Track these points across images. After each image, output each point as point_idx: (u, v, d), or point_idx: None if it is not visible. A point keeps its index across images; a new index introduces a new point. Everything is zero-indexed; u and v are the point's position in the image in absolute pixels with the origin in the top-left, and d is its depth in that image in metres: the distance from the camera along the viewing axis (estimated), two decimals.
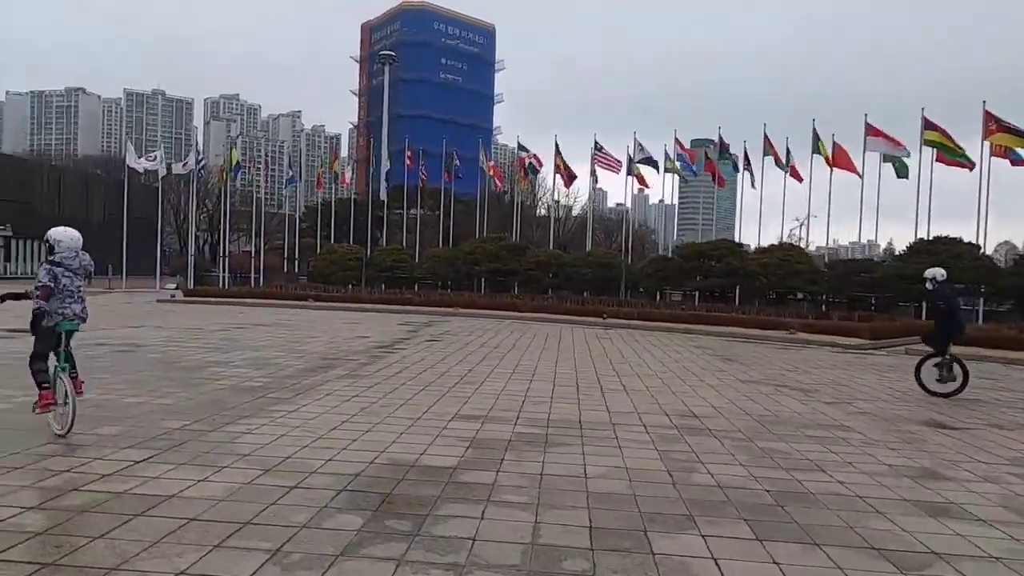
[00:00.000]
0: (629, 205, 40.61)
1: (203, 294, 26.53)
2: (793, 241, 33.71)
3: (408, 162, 37.14)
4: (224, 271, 36.94)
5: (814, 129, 26.30)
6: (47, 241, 5.23)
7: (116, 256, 54.18)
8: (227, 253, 39.44)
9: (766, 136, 27.60)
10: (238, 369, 8.87)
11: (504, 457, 5.00)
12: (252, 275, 36.79)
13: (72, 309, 5.17)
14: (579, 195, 56.13)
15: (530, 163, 32.91)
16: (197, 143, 36.49)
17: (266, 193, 43.64)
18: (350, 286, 28.97)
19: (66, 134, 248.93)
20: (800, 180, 28.33)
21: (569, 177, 33.02)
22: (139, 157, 37.32)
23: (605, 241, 63.31)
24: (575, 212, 57.84)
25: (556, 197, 48.64)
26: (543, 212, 57.89)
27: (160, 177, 37.84)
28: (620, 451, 5.33)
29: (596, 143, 31.50)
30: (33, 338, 5.28)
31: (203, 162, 36.03)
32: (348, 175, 37.32)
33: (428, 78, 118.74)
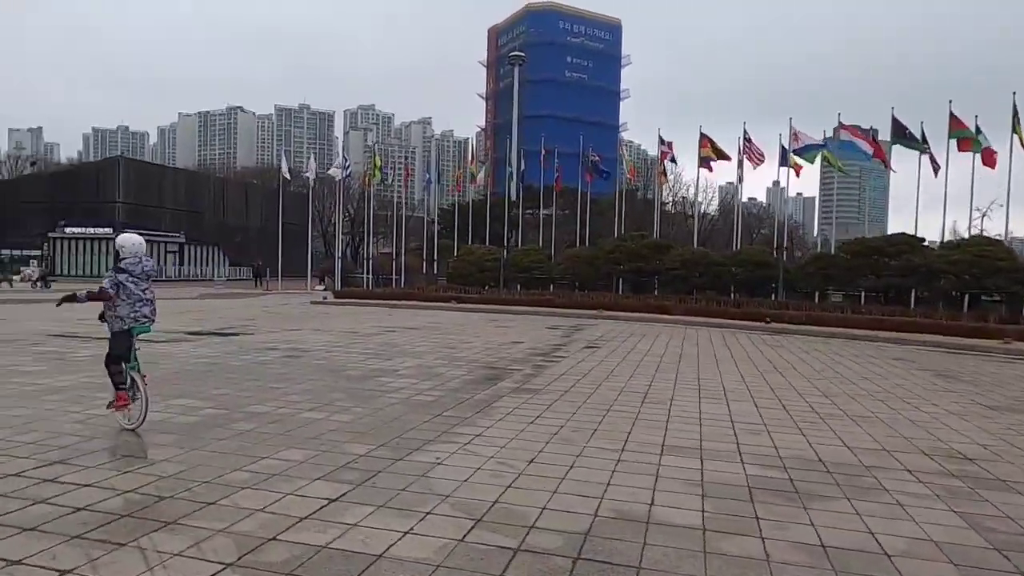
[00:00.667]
0: (766, 198, 37.54)
1: (350, 295, 27.42)
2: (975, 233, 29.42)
3: (542, 162, 36.68)
4: (367, 273, 38.34)
5: (1014, 105, 22.63)
6: (117, 248, 5.59)
7: (271, 259, 58.26)
8: (370, 256, 40.98)
9: (952, 115, 24.12)
10: (405, 379, 8.43)
11: (757, 514, 3.96)
12: (393, 276, 37.88)
13: (142, 311, 5.54)
14: (710, 191, 53.18)
15: (672, 157, 31.15)
16: (344, 151, 38.00)
17: (402, 197, 45.00)
18: (486, 287, 28.80)
19: (227, 148, 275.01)
20: (994, 166, 24.55)
21: (715, 163, 30.88)
22: (290, 167, 39.59)
23: (745, 238, 59.62)
24: (708, 208, 54.92)
25: (691, 193, 46.12)
26: (672, 208, 55.48)
27: (311, 185, 39.97)
28: (903, 510, 4.11)
29: (745, 132, 29.25)
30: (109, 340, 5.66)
31: (349, 168, 37.57)
32: (481, 176, 37.41)
33: (554, 78, 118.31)
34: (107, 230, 49.10)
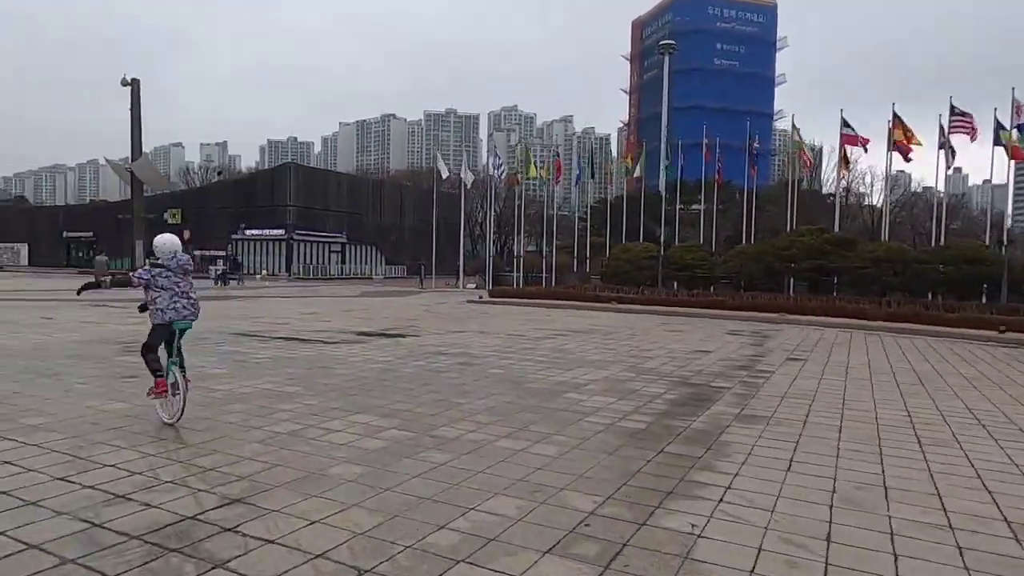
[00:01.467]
0: (944, 187, 32.09)
1: (504, 294, 26.98)
2: None
3: (698, 155, 34.29)
4: (518, 271, 38.01)
5: None
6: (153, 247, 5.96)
7: (425, 257, 60.03)
8: (520, 253, 40.70)
9: None
10: (598, 398, 7.28)
11: None
12: (543, 275, 37.18)
13: (182, 303, 5.77)
14: (875, 178, 47.24)
15: (861, 142, 27.55)
16: (493, 151, 37.85)
17: (545, 195, 44.28)
18: (641, 287, 27.10)
19: (381, 154, 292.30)
20: None
21: (908, 149, 26.92)
22: (444, 167, 40.24)
23: (910, 231, 52.75)
24: (877, 199, 48.87)
25: (867, 182, 41.11)
26: (844, 200, 49.99)
27: (465, 185, 40.36)
28: None
29: (952, 108, 25.15)
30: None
31: (503, 169, 37.38)
32: (638, 170, 35.62)
33: (702, 66, 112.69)
34: (280, 231, 53.18)
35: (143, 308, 5.98)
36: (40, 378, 7.62)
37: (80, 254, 65.68)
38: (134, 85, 48.87)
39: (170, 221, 57.59)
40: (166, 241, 5.90)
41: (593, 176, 37.59)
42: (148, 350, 5.81)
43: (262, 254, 54.77)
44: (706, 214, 36.61)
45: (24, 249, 67.60)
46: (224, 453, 4.86)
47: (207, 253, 56.58)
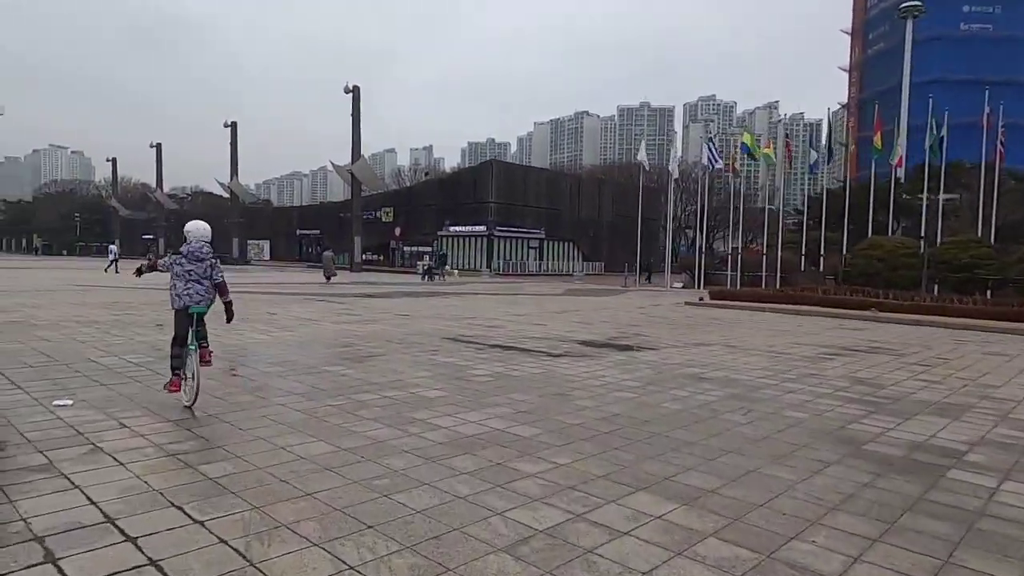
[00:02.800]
0: None
1: (724, 296, 23.68)
2: None
3: (985, 130, 27.75)
4: (733, 270, 34.08)
5: None
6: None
7: (626, 254, 57.54)
8: (726, 251, 36.64)
9: None
10: (987, 476, 4.46)
11: None
12: (762, 274, 32.86)
13: (195, 289, 5.88)
14: None
15: None
16: (712, 139, 34.25)
17: (749, 187, 39.47)
18: (890, 291, 22.08)
19: (574, 151, 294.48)
20: None
21: None
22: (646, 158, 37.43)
23: None
24: None
25: None
26: None
27: (672, 177, 37.25)
28: None
29: None
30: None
31: (719, 158, 33.68)
32: (901, 150, 29.72)
33: (944, 34, 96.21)
34: (481, 228, 53.96)
35: (139, 272, 6.34)
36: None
37: (309, 249, 72.81)
38: (355, 92, 52.51)
39: (384, 219, 61.47)
40: (197, 228, 6.10)
41: (832, 159, 32.36)
42: (175, 343, 6.01)
43: (464, 250, 56.07)
44: (966, 203, 29.85)
45: (267, 245, 76.60)
46: (451, 544, 2.99)
47: (415, 249, 59.49)
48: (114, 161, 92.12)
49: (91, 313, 13.73)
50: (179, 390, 5.93)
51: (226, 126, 67.83)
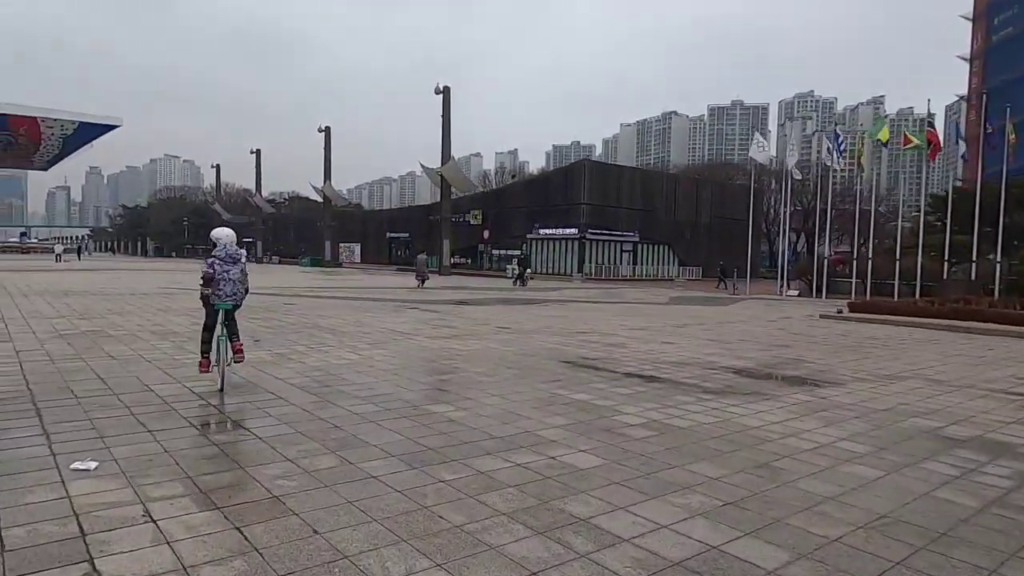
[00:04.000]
0: None
1: (868, 308, 20.45)
2: None
3: None
4: (861, 277, 30.31)
5: None
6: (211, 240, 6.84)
7: (725, 258, 53.93)
8: (865, 254, 32.71)
9: None
10: None
11: None
12: (894, 282, 28.99)
13: (225, 290, 6.62)
14: None
15: None
16: (835, 133, 30.72)
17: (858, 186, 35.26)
18: None
19: (661, 152, 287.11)
20: None
21: None
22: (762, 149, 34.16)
23: None
24: None
25: None
26: None
27: (792, 175, 33.75)
28: None
29: None
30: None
31: (843, 150, 30.09)
32: None
33: None
34: (572, 230, 51.81)
35: (205, 299, 6.68)
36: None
37: (399, 252, 73.02)
38: (445, 93, 51.66)
39: (472, 222, 60.45)
40: (226, 234, 6.79)
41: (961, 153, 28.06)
42: (205, 330, 6.78)
43: (554, 253, 54.11)
44: None
45: (357, 248, 77.55)
46: None
47: (503, 252, 58.07)
48: (218, 168, 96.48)
49: (172, 322, 12.67)
50: (208, 370, 6.70)
51: (320, 131, 69.00)
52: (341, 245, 74.77)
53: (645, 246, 56.16)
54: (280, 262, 77.61)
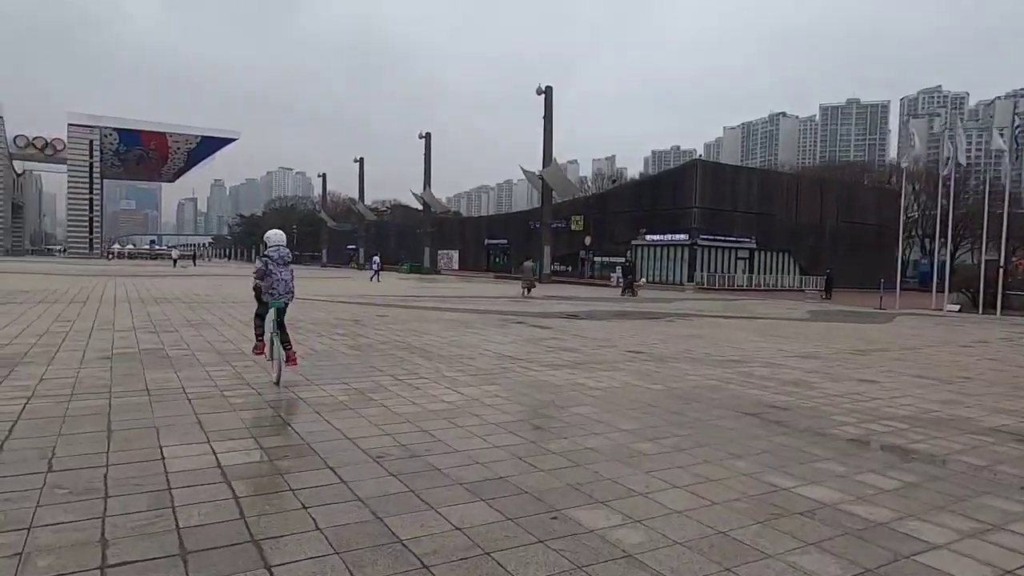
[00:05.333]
0: None
1: None
2: None
3: None
4: None
5: None
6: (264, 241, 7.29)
7: (848, 265, 48.35)
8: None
9: None
10: None
11: None
12: None
13: (278, 289, 6.98)
14: None
15: None
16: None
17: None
18: None
19: (768, 156, 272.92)
20: None
21: None
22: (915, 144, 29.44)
23: None
24: None
25: None
26: None
27: (950, 172, 28.88)
28: None
29: None
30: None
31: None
32: None
33: None
34: (683, 236, 48.08)
35: (258, 291, 7.29)
36: None
37: (497, 259, 71.55)
38: (547, 93, 49.45)
39: (573, 228, 57.86)
40: (277, 235, 7.26)
41: None
42: (257, 317, 7.42)
43: (662, 261, 50.52)
44: None
45: (455, 255, 76.87)
46: None
47: (606, 259, 55.04)
48: (324, 177, 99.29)
49: (244, 337, 10.93)
50: (263, 353, 7.34)
51: (420, 137, 68.80)
52: (439, 252, 74.29)
53: (763, 253, 51.44)
54: (380, 268, 78.24)
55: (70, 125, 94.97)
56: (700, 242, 47.74)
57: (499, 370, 8.55)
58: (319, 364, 8.43)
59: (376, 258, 48.47)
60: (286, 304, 7.10)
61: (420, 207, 75.83)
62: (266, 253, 7.03)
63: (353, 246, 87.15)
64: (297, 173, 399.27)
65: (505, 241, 69.89)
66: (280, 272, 6.96)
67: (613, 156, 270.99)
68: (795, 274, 51.97)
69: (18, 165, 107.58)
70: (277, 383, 6.94)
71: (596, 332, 13.80)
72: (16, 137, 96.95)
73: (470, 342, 11.30)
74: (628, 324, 15.98)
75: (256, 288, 7.23)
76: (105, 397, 6.17)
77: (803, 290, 36.51)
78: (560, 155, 49.41)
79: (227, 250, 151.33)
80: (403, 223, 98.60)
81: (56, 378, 6.99)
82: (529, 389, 7.36)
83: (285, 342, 6.99)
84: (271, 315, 7.08)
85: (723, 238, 48.82)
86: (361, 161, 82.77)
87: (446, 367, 8.62)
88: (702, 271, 47.67)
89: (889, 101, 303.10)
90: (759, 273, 51.01)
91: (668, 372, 8.85)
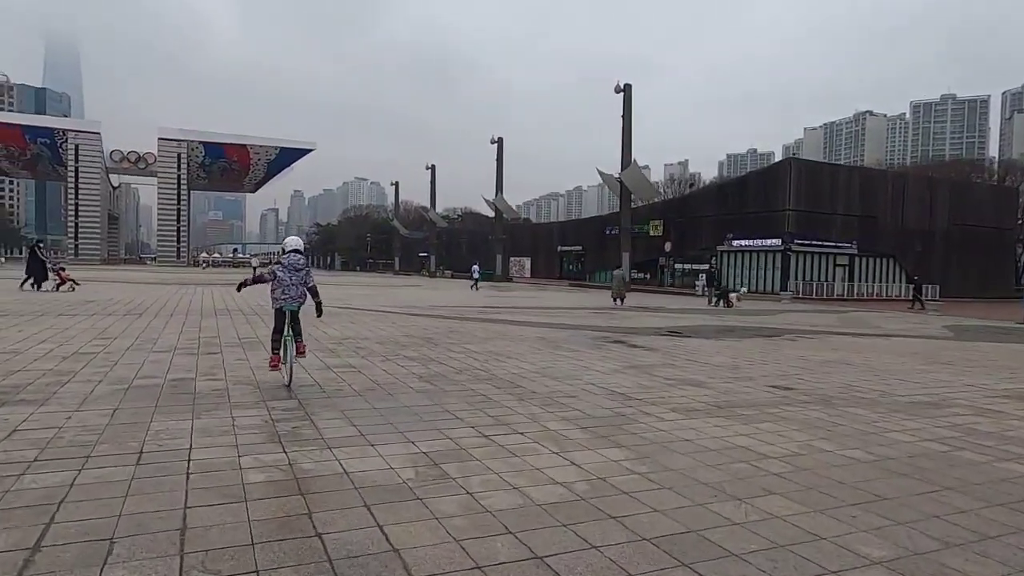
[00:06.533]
0: None
1: None
2: None
3: None
4: None
5: None
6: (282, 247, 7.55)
7: (962, 272, 43.28)
8: None
9: None
10: None
11: None
12: None
13: (289, 294, 7.12)
14: None
15: None
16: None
17: None
18: None
19: (853, 157, 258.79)
20: None
21: None
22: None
23: None
24: None
25: None
26: None
27: None
28: None
29: None
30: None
31: None
32: None
33: None
34: (774, 241, 44.35)
35: (240, 288, 7.68)
36: None
37: (570, 266, 69.13)
38: (626, 91, 46.83)
39: (651, 233, 54.84)
40: (293, 240, 7.54)
41: None
42: (274, 332, 7.28)
43: (750, 268, 46.83)
44: None
45: (527, 262, 74.97)
46: None
47: (687, 266, 51.76)
48: (396, 185, 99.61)
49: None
50: (277, 366, 7.26)
51: (493, 142, 67.37)
52: (511, 259, 72.55)
53: (864, 259, 46.94)
54: (451, 276, 77.35)
55: (160, 139, 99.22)
56: (794, 247, 43.87)
57: (616, 418, 6.31)
58: (379, 406, 6.44)
59: (476, 267, 46.73)
60: (298, 307, 7.25)
61: (490, 214, 74.46)
62: (279, 260, 7.31)
63: (425, 253, 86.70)
64: (372, 183, 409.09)
65: (579, 248, 67.42)
66: (290, 278, 7.15)
67: (686, 161, 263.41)
68: (900, 281, 47.16)
69: (114, 179, 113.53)
70: (288, 386, 7.11)
71: (713, 355, 11.33)
72: (112, 152, 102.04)
73: (567, 370, 9.10)
74: (745, 344, 13.38)
75: (241, 285, 7.63)
76: (74, 468, 4.33)
77: (921, 301, 32.41)
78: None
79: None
80: (473, 230, 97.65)
81: (34, 428, 5.25)
82: (673, 457, 5.08)
83: (297, 335, 7.24)
84: (284, 319, 7.21)
85: (820, 243, 44.71)
86: (433, 168, 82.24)
87: (544, 411, 6.46)
88: (796, 279, 43.77)
89: (989, 96, 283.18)
90: (859, 281, 46.52)
91: (851, 425, 6.38)
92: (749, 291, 41.95)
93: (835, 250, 45.49)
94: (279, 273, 7.11)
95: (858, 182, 48.01)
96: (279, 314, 7.19)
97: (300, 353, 7.30)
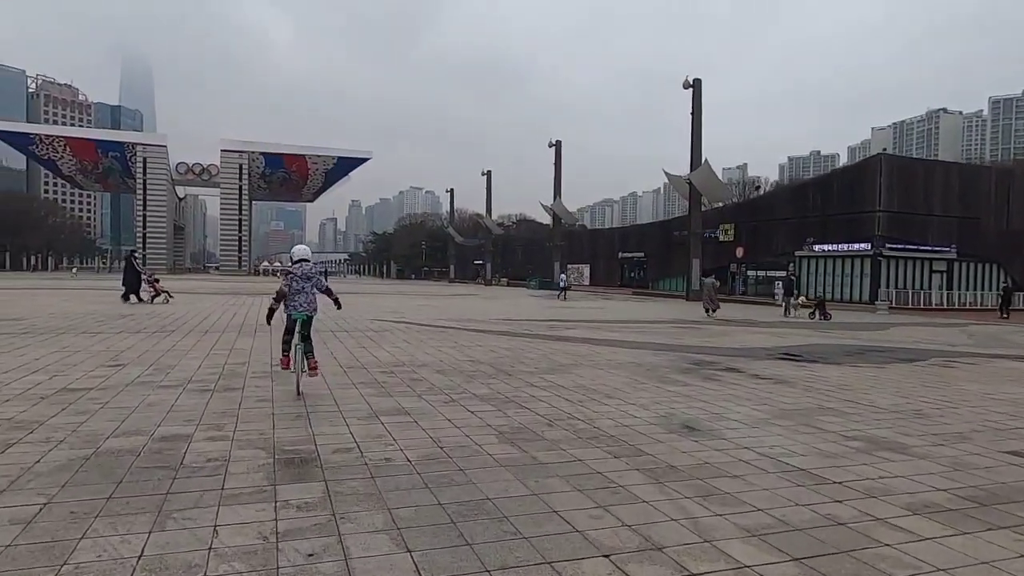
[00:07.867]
0: None
1: None
2: None
3: None
4: None
5: None
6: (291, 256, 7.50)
7: None
8: None
9: None
10: None
11: None
12: None
13: (299, 302, 7.12)
14: None
15: None
16: None
17: None
18: None
19: (925, 157, 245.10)
20: None
21: None
22: None
23: None
24: None
25: None
26: None
27: None
28: None
29: None
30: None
31: None
32: None
33: None
34: (863, 245, 40.46)
35: (271, 311, 7.42)
36: None
37: (632, 274, 66.10)
38: (695, 87, 43.76)
39: (721, 238, 51.45)
40: (302, 250, 7.44)
41: None
42: (285, 333, 7.40)
43: (834, 274, 42.98)
44: None
45: (587, 269, 72.24)
46: None
47: (762, 273, 48.19)
48: (451, 192, 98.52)
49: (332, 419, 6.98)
50: (288, 366, 7.34)
51: (550, 146, 65.17)
52: (569, 266, 70.03)
53: (964, 264, 42.46)
54: (508, 283, 75.28)
55: (223, 151, 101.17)
56: (885, 252, 39.88)
57: (832, 530, 3.84)
58: (448, 499, 4.18)
59: (563, 275, 44.70)
60: (309, 317, 7.18)
61: (546, 220, 72.18)
62: (290, 269, 7.28)
63: (480, 261, 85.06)
64: (427, 192, 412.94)
65: (641, 254, 64.34)
66: (303, 287, 7.14)
67: (744, 164, 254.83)
68: (990, 290, 42.41)
69: (180, 190, 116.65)
70: (298, 394, 7.01)
71: (869, 391, 8.66)
72: (177, 164, 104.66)
73: (695, 419, 6.66)
74: (893, 374, 10.60)
75: (271, 311, 7.40)
76: None
77: (1007, 307, 28.39)
78: (687, 166, 43.51)
79: (362, 266, 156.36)
80: (529, 237, 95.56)
81: None
82: None
83: (308, 352, 7.15)
84: (296, 327, 7.15)
85: (915, 248, 40.56)
86: (488, 174, 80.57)
87: (705, 510, 4.07)
88: (888, 287, 39.76)
89: None
90: (958, 289, 42.05)
91: None
92: (833, 300, 38.21)
93: (932, 255, 41.24)
94: (292, 284, 7.13)
95: (957, 180, 43.53)
96: (289, 320, 7.25)
97: (312, 370, 7.19)
